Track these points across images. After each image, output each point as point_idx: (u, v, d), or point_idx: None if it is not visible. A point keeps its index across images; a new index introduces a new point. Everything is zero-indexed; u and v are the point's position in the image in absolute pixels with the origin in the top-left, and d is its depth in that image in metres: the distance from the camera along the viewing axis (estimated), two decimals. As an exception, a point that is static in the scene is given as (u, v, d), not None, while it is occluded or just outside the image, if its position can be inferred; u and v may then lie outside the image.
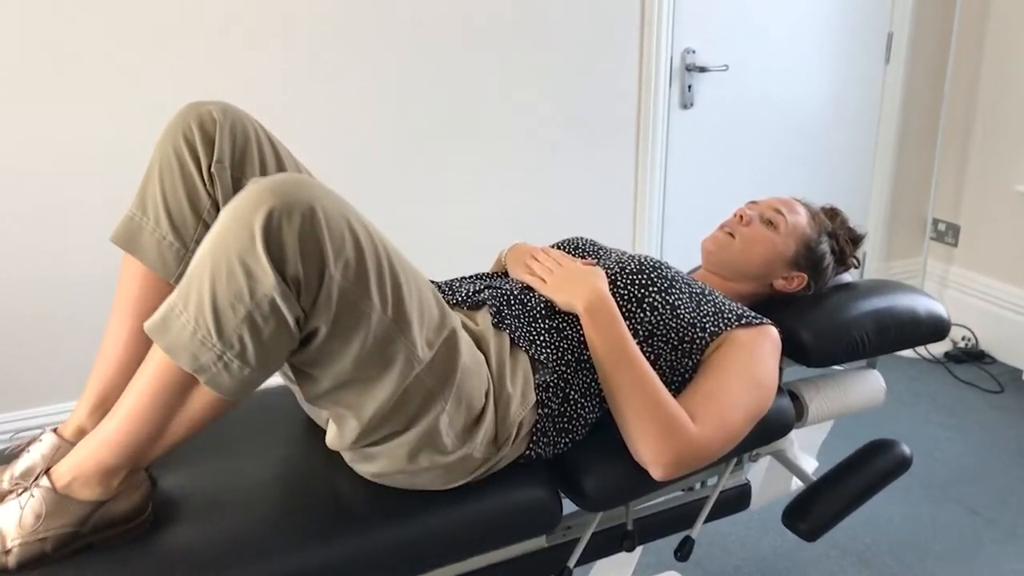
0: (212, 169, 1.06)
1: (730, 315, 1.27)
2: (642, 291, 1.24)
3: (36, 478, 0.92)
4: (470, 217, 2.41)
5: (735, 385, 1.20)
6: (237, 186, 1.07)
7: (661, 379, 1.24)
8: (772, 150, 2.84)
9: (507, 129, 2.39)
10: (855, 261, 1.50)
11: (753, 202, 1.47)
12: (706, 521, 1.39)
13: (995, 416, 2.57)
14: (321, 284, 0.86)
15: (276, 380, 1.19)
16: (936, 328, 1.47)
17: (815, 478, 1.44)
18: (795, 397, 1.45)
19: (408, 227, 2.34)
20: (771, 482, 1.57)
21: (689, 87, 2.60)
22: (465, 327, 1.20)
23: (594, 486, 1.17)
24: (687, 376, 1.25)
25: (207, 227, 1.06)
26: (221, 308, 0.84)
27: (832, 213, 1.50)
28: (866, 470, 1.38)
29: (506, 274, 1.35)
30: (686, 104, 2.63)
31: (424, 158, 2.30)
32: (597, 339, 1.17)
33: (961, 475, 2.26)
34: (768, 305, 1.45)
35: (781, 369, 1.43)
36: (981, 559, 1.93)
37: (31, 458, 0.97)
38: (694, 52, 2.58)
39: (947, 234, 3.13)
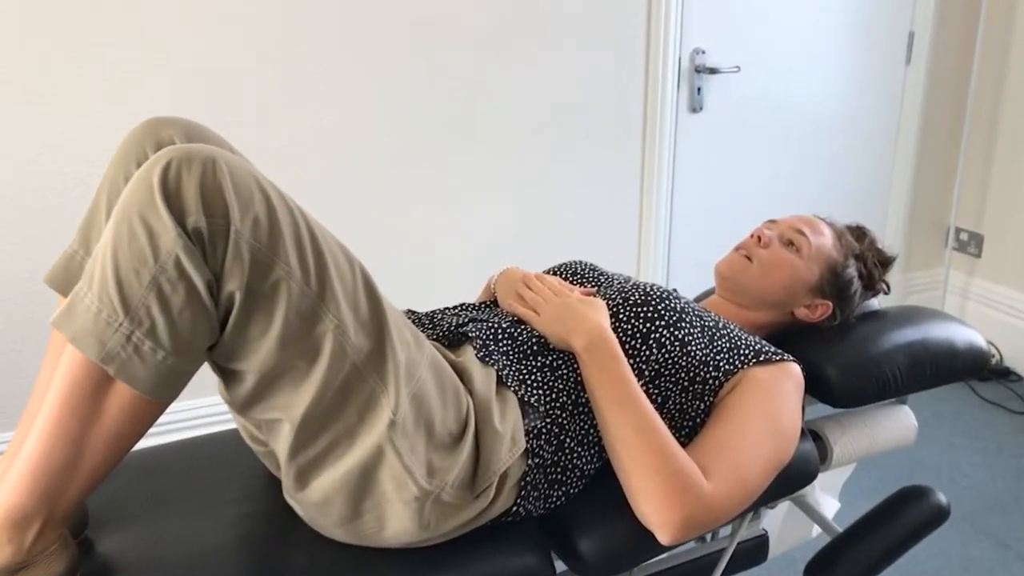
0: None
1: (747, 351, 1.13)
2: (648, 325, 1.09)
3: None
4: (464, 226, 2.28)
5: (753, 432, 1.06)
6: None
7: (669, 424, 1.10)
8: (786, 156, 2.70)
9: (505, 132, 2.25)
10: (884, 286, 1.36)
11: (772, 221, 1.32)
12: (719, 577, 1.25)
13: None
14: (228, 239, 0.79)
15: (231, 425, 1.04)
16: (975, 362, 1.32)
17: (838, 528, 1.30)
18: (817, 436, 1.31)
19: (397, 236, 2.20)
20: (790, 529, 1.43)
21: (698, 90, 2.47)
22: (445, 356, 1.06)
23: (592, 549, 1.03)
24: (699, 420, 1.11)
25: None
26: (125, 276, 0.77)
27: (860, 233, 1.35)
28: (896, 523, 1.23)
29: (496, 303, 1.21)
30: (695, 107, 2.49)
31: (417, 163, 2.17)
32: (595, 381, 1.03)
33: (990, 505, 2.11)
34: (788, 336, 1.30)
35: (803, 408, 1.29)
36: (1015, 603, 1.78)
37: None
38: (704, 52, 2.44)
39: (970, 244, 2.99)
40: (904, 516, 1.24)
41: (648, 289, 1.13)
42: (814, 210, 2.82)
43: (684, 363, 1.09)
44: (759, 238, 1.28)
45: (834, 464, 1.30)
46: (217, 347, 0.85)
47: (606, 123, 2.38)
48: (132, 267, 0.77)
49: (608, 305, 1.12)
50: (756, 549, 1.29)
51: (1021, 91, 2.75)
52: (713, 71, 2.45)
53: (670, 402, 1.10)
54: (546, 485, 1.03)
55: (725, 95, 2.53)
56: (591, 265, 1.26)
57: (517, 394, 1.03)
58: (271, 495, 1.08)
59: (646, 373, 1.08)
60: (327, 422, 0.88)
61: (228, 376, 0.88)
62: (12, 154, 1.76)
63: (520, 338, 1.10)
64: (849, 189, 2.87)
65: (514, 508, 1.02)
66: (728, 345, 1.13)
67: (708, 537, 1.35)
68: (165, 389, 0.81)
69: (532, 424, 1.02)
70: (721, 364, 1.11)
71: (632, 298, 1.12)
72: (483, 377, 1.03)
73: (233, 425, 1.30)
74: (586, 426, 1.06)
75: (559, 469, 1.04)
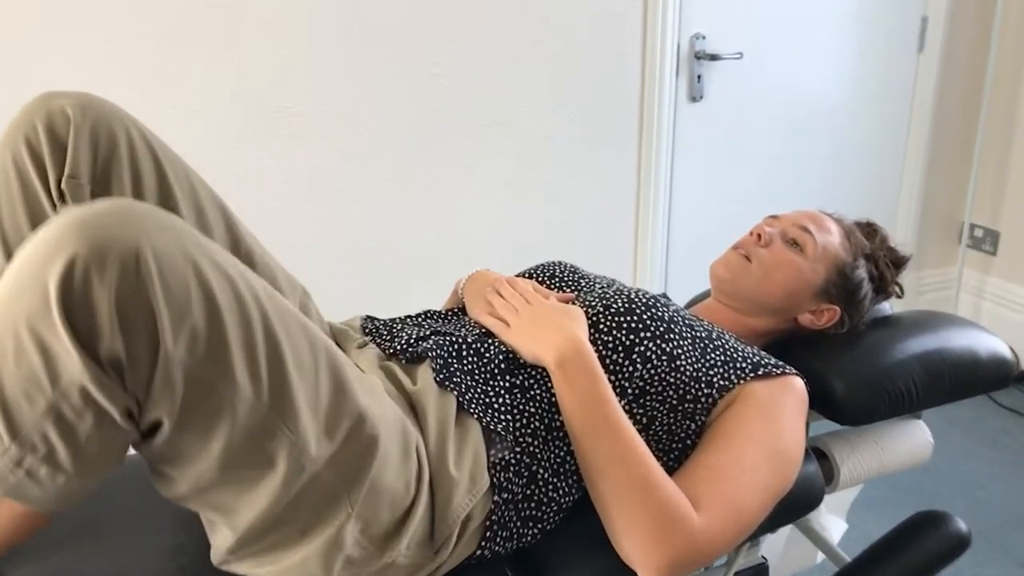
0: (63, 186, 0.80)
1: (744, 364, 1.01)
2: (632, 337, 0.97)
3: None
4: (447, 224, 2.15)
5: (751, 457, 0.93)
6: None
7: (655, 448, 0.98)
8: (791, 148, 2.58)
9: (490, 121, 2.12)
10: (897, 289, 1.23)
11: (774, 217, 1.19)
12: (713, 612, 1.12)
13: (1042, 449, 2.30)
14: (155, 364, 0.61)
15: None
16: (999, 373, 1.20)
17: (846, 556, 1.18)
18: (822, 455, 1.19)
19: (374, 234, 2.08)
20: (793, 555, 1.31)
21: (699, 77, 2.34)
22: (398, 385, 0.93)
23: (568, 593, 0.91)
24: (689, 443, 0.99)
25: None
26: (11, 398, 0.60)
27: (870, 230, 1.22)
28: (910, 554, 1.11)
29: (464, 311, 1.09)
30: (695, 96, 2.36)
31: (398, 156, 2.04)
32: (569, 402, 0.90)
33: (1008, 519, 1.98)
34: (791, 344, 1.18)
35: (807, 425, 1.17)
36: (1036, 629, 1.66)
37: None
38: (704, 38, 2.31)
39: (985, 241, 2.85)
40: (919, 546, 1.12)
41: (632, 296, 1.01)
42: (820, 205, 2.68)
43: (672, 379, 0.96)
44: (759, 236, 1.15)
45: (841, 486, 1.18)
46: (139, 447, 0.70)
47: (600, 113, 2.25)
48: (21, 389, 0.61)
49: (587, 314, 0.99)
50: (755, 580, 1.17)
51: (1040, 80, 2.62)
52: (714, 58, 2.32)
53: (656, 423, 0.97)
54: (518, 523, 0.91)
55: (727, 83, 2.40)
56: (571, 267, 1.13)
57: (481, 422, 0.90)
58: (206, 526, 0.96)
59: (629, 391, 0.96)
60: (274, 528, 0.75)
61: (153, 471, 0.73)
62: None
63: (487, 355, 0.97)
64: (857, 184, 2.74)
65: (479, 552, 0.90)
66: (723, 358, 1.01)
67: (701, 569, 1.23)
68: (69, 503, 0.69)
69: (499, 455, 0.89)
70: (715, 380, 0.98)
71: (614, 306, 0.99)
72: (440, 406, 0.90)
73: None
74: (562, 453, 0.94)
75: (532, 504, 0.92)
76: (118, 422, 0.63)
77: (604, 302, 1.00)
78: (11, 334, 0.59)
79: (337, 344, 1.04)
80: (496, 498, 0.89)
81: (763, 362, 1.02)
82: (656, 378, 0.96)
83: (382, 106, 1.99)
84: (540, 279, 1.12)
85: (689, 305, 1.30)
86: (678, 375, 0.96)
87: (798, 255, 1.14)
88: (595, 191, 2.32)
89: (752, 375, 0.99)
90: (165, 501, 0.99)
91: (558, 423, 0.93)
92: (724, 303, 1.17)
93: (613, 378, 0.95)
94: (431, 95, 2.03)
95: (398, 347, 0.98)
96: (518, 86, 2.12)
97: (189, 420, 0.65)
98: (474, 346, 0.98)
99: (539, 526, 0.93)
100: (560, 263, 1.14)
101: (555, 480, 0.93)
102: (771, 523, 1.03)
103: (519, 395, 0.94)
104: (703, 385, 0.98)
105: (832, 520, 1.34)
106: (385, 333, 1.02)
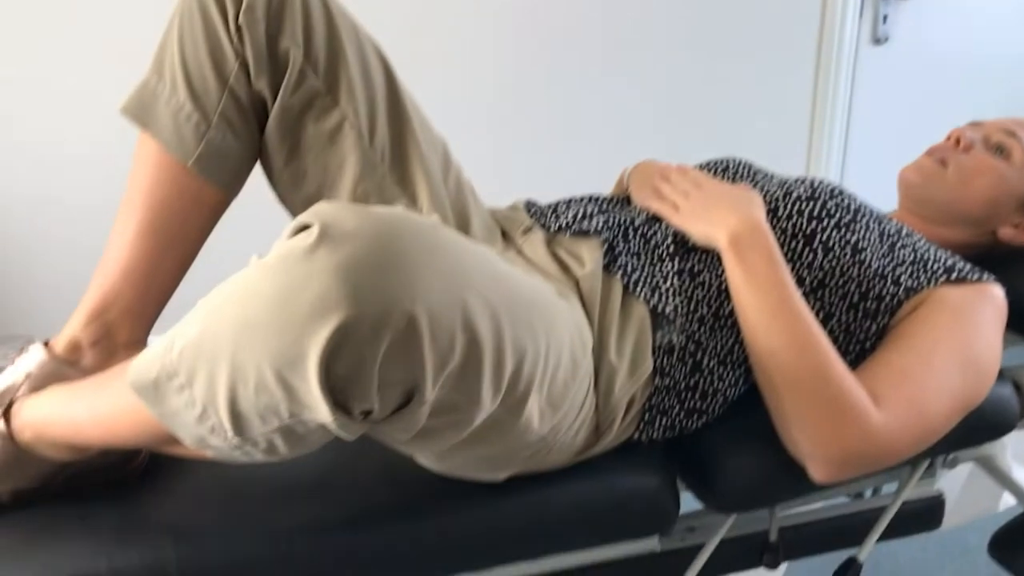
0: (240, 19, 0.83)
1: (936, 267, 0.93)
2: (813, 224, 0.92)
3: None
4: (616, 146, 2.13)
5: (940, 361, 0.87)
6: (272, 47, 0.84)
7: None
8: (988, 100, 2.36)
9: (657, 52, 2.08)
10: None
11: (976, 123, 1.09)
12: (880, 539, 1.05)
13: None
14: (406, 407, 0.61)
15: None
16: None
17: (1038, 499, 1.07)
18: (1017, 388, 1.08)
19: (532, 151, 2.09)
20: (972, 497, 1.21)
21: (884, 18, 2.20)
22: (565, 268, 0.93)
23: (727, 480, 0.88)
24: (868, 345, 0.93)
25: (233, 96, 0.85)
26: (244, 414, 0.60)
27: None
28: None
29: (628, 201, 1.06)
30: (879, 39, 2.21)
31: (571, 79, 2.04)
32: (743, 283, 0.87)
33: None
34: (987, 261, 1.08)
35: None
36: None
37: (12, 375, 0.79)
38: (894, -25, 2.17)
39: None
40: None
41: (816, 183, 0.95)
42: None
43: (855, 273, 0.90)
44: (958, 140, 1.06)
45: (1036, 422, 1.07)
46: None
47: (772, 54, 2.16)
48: (255, 411, 0.59)
49: (766, 200, 0.95)
50: (928, 512, 1.08)
51: None
52: (904, -4, 2.18)
53: (834, 320, 0.92)
54: (681, 414, 0.89)
55: (916, 25, 2.23)
56: (747, 162, 1.08)
57: (648, 303, 0.88)
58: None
59: (807, 281, 0.91)
60: (472, 444, 0.75)
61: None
62: None
63: (655, 239, 0.95)
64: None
65: (636, 435, 0.89)
66: (913, 257, 0.93)
67: (868, 492, 1.16)
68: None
69: (665, 339, 0.87)
70: (902, 279, 0.92)
71: (795, 192, 0.94)
72: (606, 291, 0.89)
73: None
74: (730, 343, 0.90)
75: (697, 395, 0.89)
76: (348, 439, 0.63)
77: (784, 189, 0.95)
78: (253, 367, 0.56)
79: (503, 233, 1.05)
80: (657, 382, 0.87)
81: (958, 266, 0.94)
82: (837, 270, 0.90)
83: (556, 25, 1.99)
84: (713, 172, 1.08)
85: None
86: (862, 269, 0.90)
87: (1003, 162, 1.04)
88: (762, 140, 2.24)
89: (945, 278, 0.92)
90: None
91: (727, 310, 0.90)
92: (913, 211, 1.09)
93: (791, 266, 0.90)
94: (610, 22, 2.02)
95: (564, 224, 0.97)
96: (687, 20, 2.07)
97: (422, 435, 0.67)
98: (641, 229, 0.96)
99: (702, 419, 0.90)
100: (734, 158, 1.09)
101: (720, 370, 0.89)
102: (955, 442, 0.95)
103: (687, 280, 0.91)
104: (889, 283, 0.91)
105: (1020, 469, 1.23)
106: (550, 214, 1.01)
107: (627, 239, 0.95)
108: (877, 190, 2.30)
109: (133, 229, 0.84)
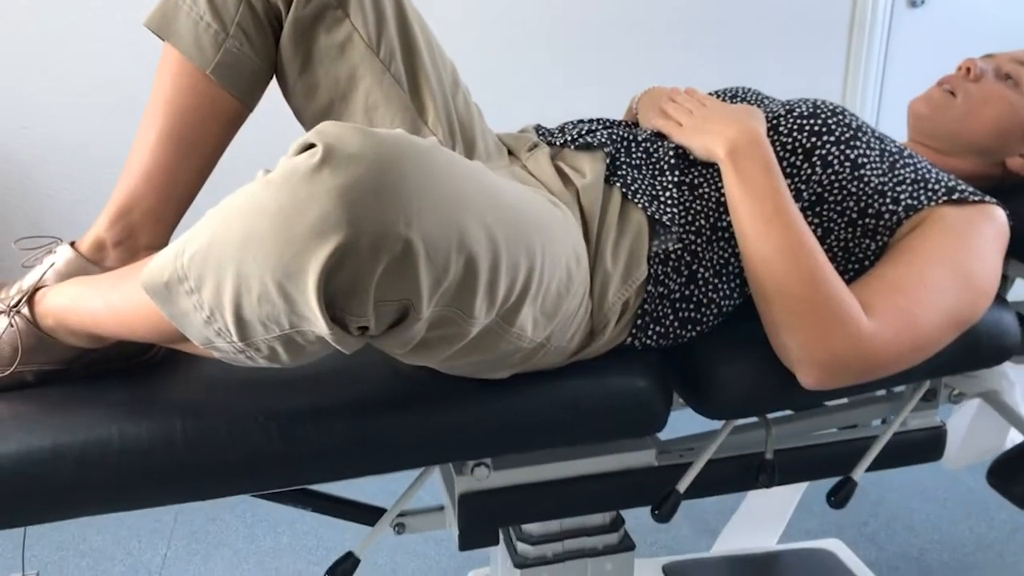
0: None
1: (937, 186, 0.94)
2: (813, 140, 0.93)
3: (20, 302, 0.81)
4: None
5: (934, 275, 0.87)
6: None
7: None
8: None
9: (689, 15, 2.08)
10: None
11: (989, 55, 1.09)
12: (879, 467, 1.06)
13: None
14: (402, 322, 0.64)
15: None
16: None
17: (1042, 433, 1.07)
18: (1021, 320, 1.08)
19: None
20: (978, 435, 1.20)
21: (921, -20, 2.16)
22: (566, 180, 0.95)
23: (719, 386, 0.90)
24: (866, 264, 0.94)
25: (250, 7, 0.89)
26: (248, 320, 0.64)
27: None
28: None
29: (637, 125, 1.08)
30: (915, 1, 2.18)
31: (598, 47, 2.06)
32: (740, 192, 0.88)
33: None
34: (996, 193, 1.08)
35: (1005, 277, 1.07)
36: None
37: (40, 270, 0.85)
38: (932, -65, 2.14)
39: None
40: None
41: (820, 102, 0.96)
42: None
43: (854, 189, 0.91)
44: (968, 70, 1.06)
45: (1041, 356, 1.07)
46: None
47: (806, 16, 2.14)
48: (258, 319, 0.63)
49: (768, 117, 0.96)
50: (928, 442, 1.08)
51: None
52: (942, -43, 2.14)
53: (832, 236, 0.93)
54: (675, 323, 0.90)
55: (954, -12, 2.20)
56: (755, 90, 1.10)
57: (646, 211, 0.90)
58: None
59: (805, 195, 0.92)
60: (469, 351, 0.78)
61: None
62: None
63: (656, 153, 0.97)
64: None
65: (629, 340, 0.91)
66: (913, 176, 0.94)
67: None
68: None
69: (661, 246, 0.89)
70: (901, 197, 0.92)
71: (797, 110, 0.95)
72: (605, 201, 0.91)
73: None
74: (726, 255, 0.92)
75: (691, 305, 0.91)
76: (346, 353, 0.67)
77: (787, 107, 0.96)
78: (256, 278, 0.60)
79: (510, 152, 1.07)
80: (651, 289, 0.88)
81: (959, 187, 0.94)
82: (836, 185, 0.91)
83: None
84: (722, 98, 1.10)
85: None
86: (860, 185, 0.91)
87: (1013, 91, 1.03)
88: (793, 99, 2.22)
89: (945, 198, 0.92)
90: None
91: (724, 223, 0.91)
92: (922, 143, 1.09)
93: (789, 181, 0.92)
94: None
95: (568, 139, 0.99)
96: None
97: (420, 346, 0.70)
98: (643, 144, 0.98)
99: (697, 328, 0.92)
100: (743, 87, 1.10)
101: (716, 281, 0.91)
102: (954, 363, 0.95)
103: (687, 192, 0.93)
104: (888, 201, 0.92)
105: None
106: (557, 132, 1.03)
107: (630, 153, 0.97)
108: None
109: (155, 135, 0.88)
